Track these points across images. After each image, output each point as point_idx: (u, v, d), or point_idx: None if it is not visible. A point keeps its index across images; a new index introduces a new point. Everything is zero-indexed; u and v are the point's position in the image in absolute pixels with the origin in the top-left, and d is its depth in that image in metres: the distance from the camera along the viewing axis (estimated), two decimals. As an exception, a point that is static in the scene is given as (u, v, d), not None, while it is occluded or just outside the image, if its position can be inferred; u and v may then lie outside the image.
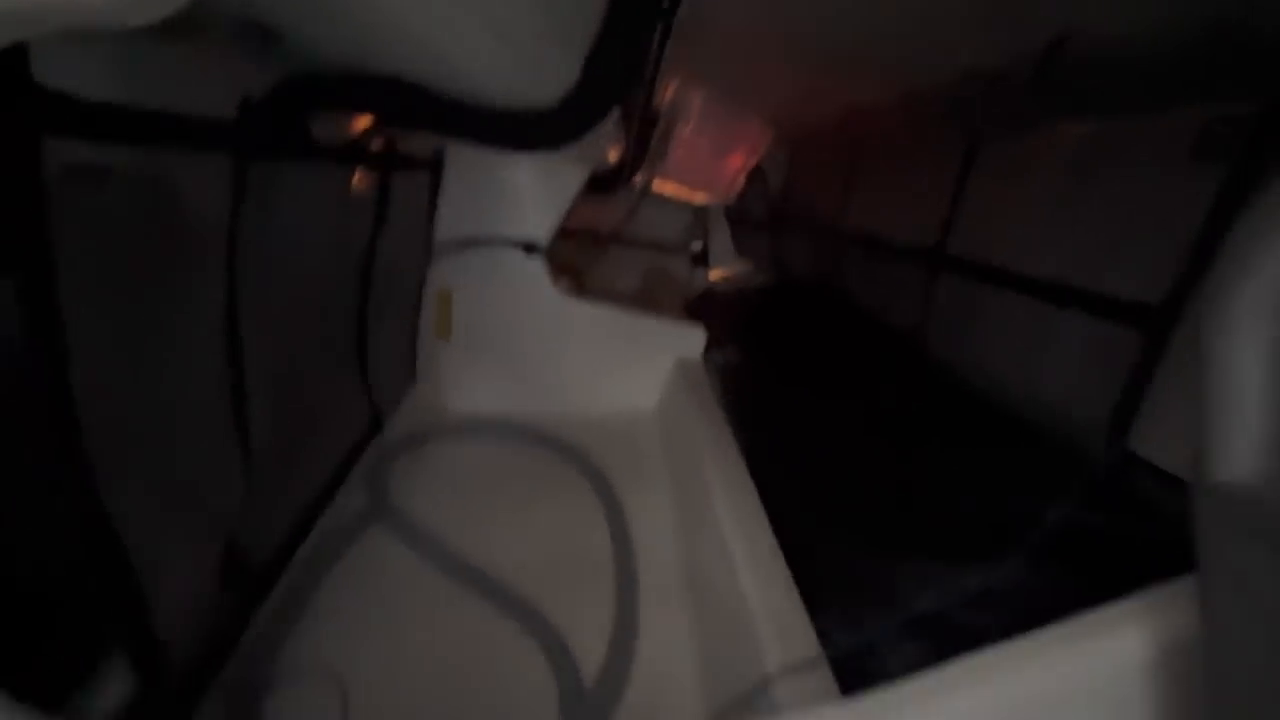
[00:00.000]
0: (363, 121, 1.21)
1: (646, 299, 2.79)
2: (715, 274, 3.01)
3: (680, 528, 1.39)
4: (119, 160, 0.69)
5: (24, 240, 0.58)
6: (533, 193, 1.78)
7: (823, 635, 0.87)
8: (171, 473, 0.81)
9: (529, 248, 1.79)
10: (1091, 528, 0.57)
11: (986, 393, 1.36)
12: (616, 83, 1.11)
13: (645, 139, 2.24)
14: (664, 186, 2.70)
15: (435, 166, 1.68)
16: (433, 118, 1.08)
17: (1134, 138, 1.18)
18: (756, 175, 2.91)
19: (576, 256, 2.50)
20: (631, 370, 1.95)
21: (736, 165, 2.64)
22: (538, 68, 1.01)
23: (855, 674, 0.77)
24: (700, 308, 2.55)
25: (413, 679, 1.00)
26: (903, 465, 1.29)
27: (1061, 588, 0.74)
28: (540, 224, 1.80)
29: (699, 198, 2.84)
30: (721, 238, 2.91)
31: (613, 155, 2.16)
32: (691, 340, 1.93)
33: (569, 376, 1.93)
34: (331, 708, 0.91)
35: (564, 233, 1.90)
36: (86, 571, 0.68)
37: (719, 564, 1.10)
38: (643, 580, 1.23)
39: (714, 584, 1.11)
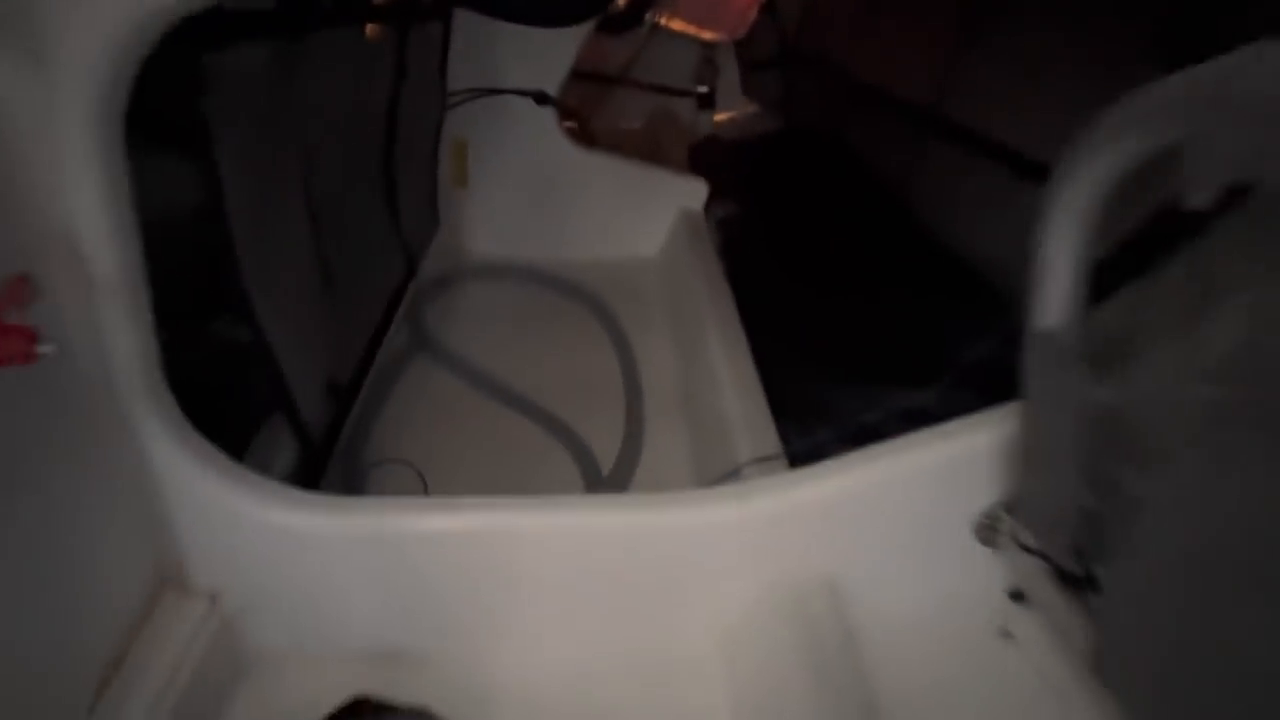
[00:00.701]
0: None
1: (650, 141, 2.82)
2: (720, 116, 3.00)
3: (678, 358, 1.65)
4: (240, 57, 0.83)
5: (196, 131, 0.75)
6: (542, 41, 1.79)
7: (783, 439, 1.15)
8: (294, 308, 1.03)
9: (540, 98, 1.84)
10: (1006, 363, 0.78)
11: (953, 250, 1.53)
12: None
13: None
14: (673, 23, 2.60)
15: (446, 17, 1.69)
16: None
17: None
18: (769, 7, 2.78)
19: (581, 100, 2.51)
20: (637, 218, 2.10)
21: (749, 1, 2.53)
22: None
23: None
24: (704, 153, 2.60)
25: (471, 467, 1.31)
26: (869, 308, 1.51)
27: (974, 408, 0.99)
28: (550, 72, 1.83)
29: (708, 34, 2.75)
30: (729, 79, 2.86)
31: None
32: (694, 192, 2.04)
33: (579, 223, 2.08)
34: (415, 483, 1.21)
35: (570, 75, 1.93)
36: (261, 375, 0.93)
37: (709, 387, 1.37)
38: (646, 398, 1.51)
39: (704, 402, 1.39)
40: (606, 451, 1.36)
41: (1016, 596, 0.93)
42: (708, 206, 2.05)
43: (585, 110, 2.42)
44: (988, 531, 0.91)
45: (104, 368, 0.68)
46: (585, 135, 2.13)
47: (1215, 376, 0.51)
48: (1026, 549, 0.84)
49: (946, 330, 1.26)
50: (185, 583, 0.84)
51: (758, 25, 2.78)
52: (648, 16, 2.34)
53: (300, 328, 1.05)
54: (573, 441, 1.37)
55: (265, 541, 0.83)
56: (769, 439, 1.16)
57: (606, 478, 1.28)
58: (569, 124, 2.03)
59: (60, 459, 0.65)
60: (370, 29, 1.33)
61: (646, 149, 2.58)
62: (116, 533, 0.75)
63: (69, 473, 0.66)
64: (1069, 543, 0.73)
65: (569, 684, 0.93)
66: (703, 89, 2.76)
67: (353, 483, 1.18)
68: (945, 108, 1.56)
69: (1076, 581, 0.74)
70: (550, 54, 1.82)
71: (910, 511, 0.93)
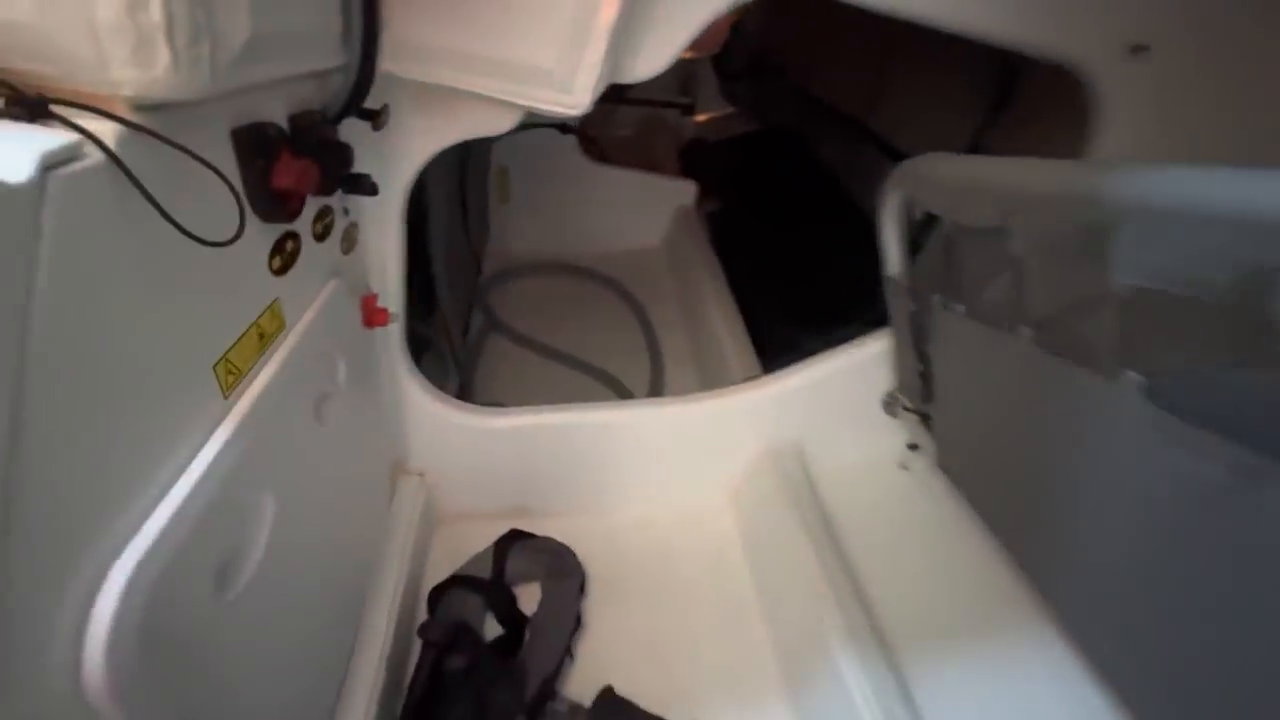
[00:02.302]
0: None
1: (644, 145, 3.33)
2: (701, 117, 3.52)
3: (684, 321, 2.20)
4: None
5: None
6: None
7: (765, 368, 1.70)
8: (449, 300, 1.58)
9: (563, 128, 2.37)
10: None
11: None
12: None
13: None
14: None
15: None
16: None
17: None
18: (739, 27, 3.28)
19: (588, 123, 3.02)
20: (641, 215, 2.63)
21: (722, 23, 3.01)
22: None
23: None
24: (691, 154, 3.13)
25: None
26: (820, 271, 2.06)
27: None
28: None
29: (688, 53, 3.25)
30: (707, 89, 3.37)
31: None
32: (686, 192, 2.58)
33: (596, 223, 2.61)
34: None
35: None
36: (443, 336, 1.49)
37: (709, 338, 1.92)
38: (664, 350, 2.06)
39: (707, 349, 1.94)
40: (639, 391, 1.91)
41: (913, 446, 1.49)
42: (698, 202, 2.59)
43: (593, 131, 2.93)
44: (890, 405, 1.47)
45: (383, 337, 1.22)
46: (598, 153, 2.65)
47: (955, 295, 1.05)
48: (909, 410, 1.40)
49: (871, 283, 1.81)
50: (406, 465, 1.39)
51: (731, 42, 3.28)
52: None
53: (452, 313, 1.61)
54: (614, 384, 1.92)
55: (449, 436, 1.38)
56: (755, 368, 1.71)
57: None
58: (584, 145, 2.55)
59: (373, 382, 1.19)
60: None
61: (642, 152, 3.09)
62: (384, 428, 1.30)
63: (378, 387, 1.21)
64: (919, 395, 1.29)
65: (633, 526, 1.49)
66: (686, 100, 3.27)
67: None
68: (870, 122, 2.09)
69: (925, 418, 1.30)
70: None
71: (844, 397, 1.48)
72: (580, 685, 1.18)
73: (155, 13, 0.44)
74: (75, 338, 0.45)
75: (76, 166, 0.43)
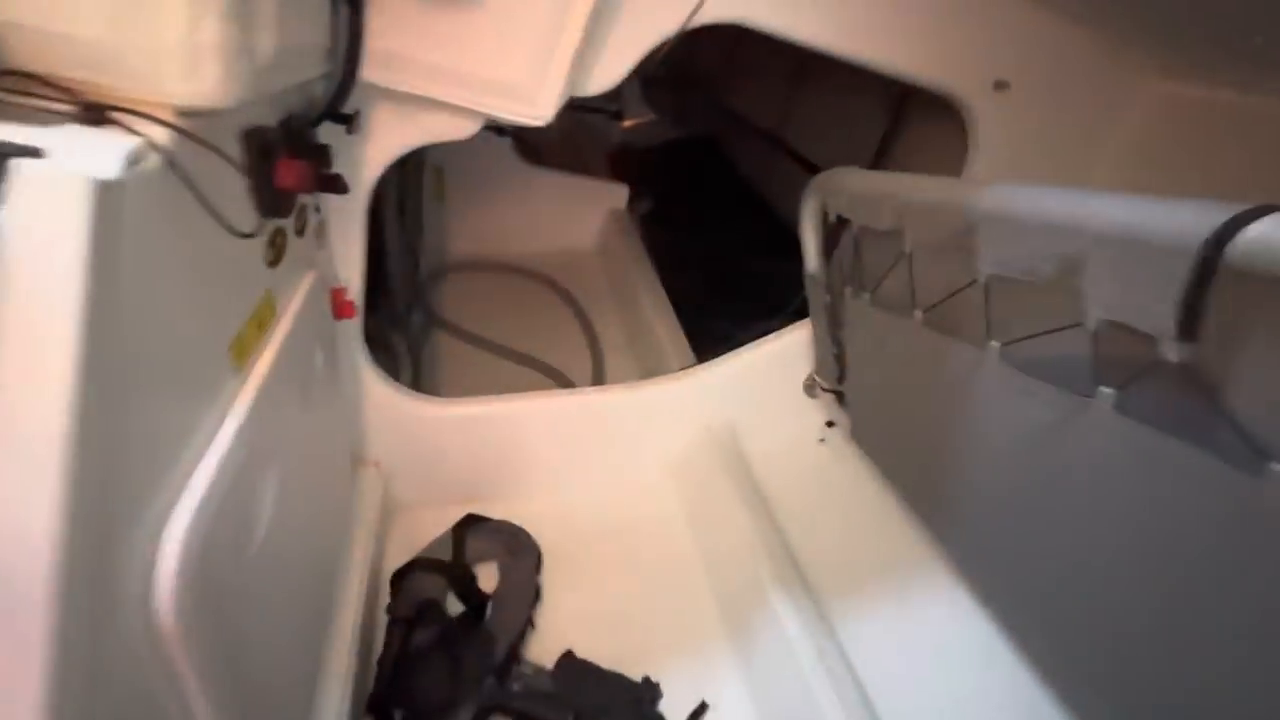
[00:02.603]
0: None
1: (572, 148, 3.43)
2: (628, 123, 3.66)
3: (619, 316, 2.32)
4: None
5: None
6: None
7: (696, 355, 1.85)
8: (400, 295, 1.62)
9: (498, 130, 2.43)
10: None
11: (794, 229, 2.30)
12: None
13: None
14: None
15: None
16: None
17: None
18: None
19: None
20: (575, 217, 2.73)
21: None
22: None
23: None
24: (622, 159, 3.26)
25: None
26: (743, 269, 2.25)
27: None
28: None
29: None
30: (632, 95, 3.52)
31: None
32: (618, 195, 2.71)
33: (531, 223, 2.69)
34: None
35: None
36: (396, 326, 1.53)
37: (645, 332, 2.05)
38: (603, 344, 2.18)
39: (643, 341, 2.07)
40: (581, 383, 2.01)
41: (830, 424, 1.68)
42: (629, 204, 2.72)
43: (526, 134, 3.00)
44: (809, 387, 1.66)
45: (343, 330, 1.26)
46: (532, 155, 2.73)
47: (862, 286, 1.24)
48: (826, 390, 1.59)
49: (788, 280, 2.00)
50: (363, 455, 1.43)
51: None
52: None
53: (403, 305, 1.65)
54: (556, 376, 2.02)
55: (407, 426, 1.44)
56: (689, 358, 1.86)
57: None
58: (518, 147, 2.62)
59: (337, 373, 1.23)
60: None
61: (571, 154, 3.19)
62: (347, 418, 1.34)
63: (333, 379, 1.25)
64: (834, 376, 1.48)
65: (583, 505, 1.60)
66: (614, 106, 3.40)
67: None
68: (784, 135, 2.31)
69: (840, 395, 1.49)
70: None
71: (769, 382, 1.65)
72: (542, 651, 1.27)
73: (213, 34, 0.51)
74: (141, 316, 0.51)
75: (143, 166, 0.50)
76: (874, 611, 1.24)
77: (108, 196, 0.45)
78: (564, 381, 2.00)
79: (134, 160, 0.48)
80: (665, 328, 1.97)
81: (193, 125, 0.57)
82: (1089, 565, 0.77)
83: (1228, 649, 0.58)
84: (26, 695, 0.40)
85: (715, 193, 2.72)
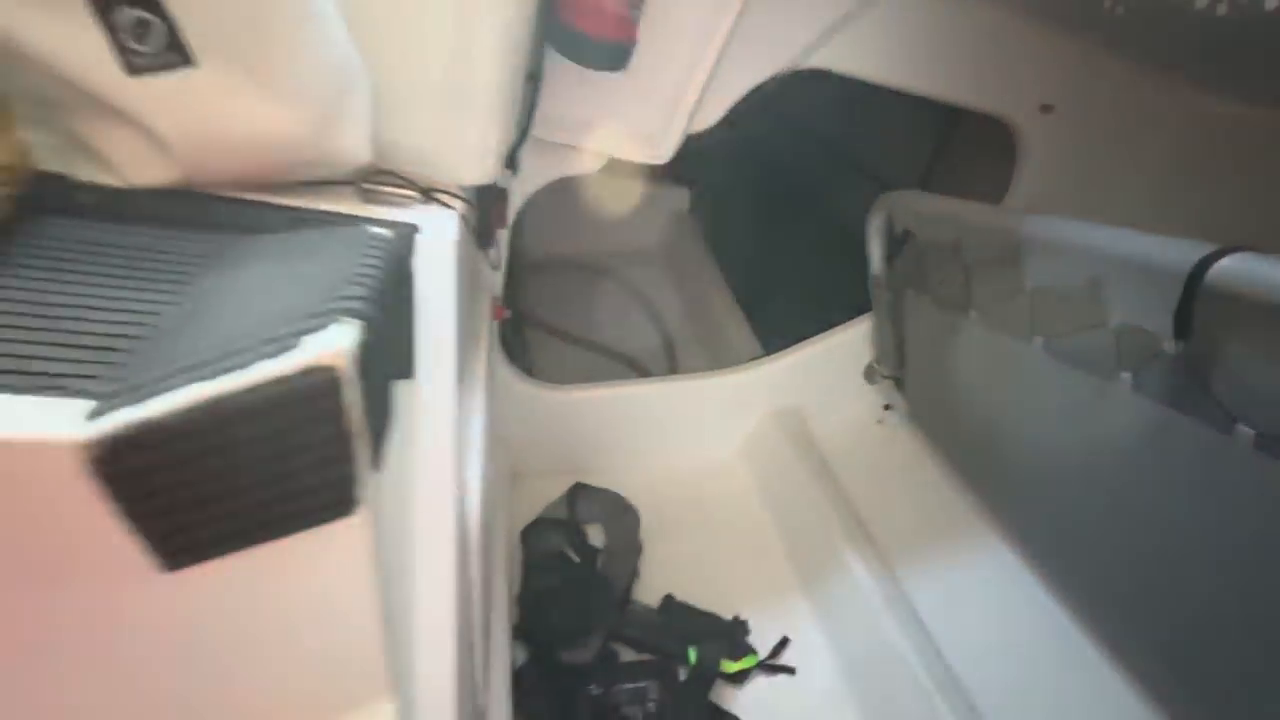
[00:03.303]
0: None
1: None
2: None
3: (689, 314, 2.56)
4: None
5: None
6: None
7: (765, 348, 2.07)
8: None
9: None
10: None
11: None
12: None
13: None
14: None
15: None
16: None
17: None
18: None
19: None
20: (639, 218, 2.97)
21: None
22: None
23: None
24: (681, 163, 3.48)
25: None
26: (808, 272, 2.46)
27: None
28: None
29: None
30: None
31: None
32: (679, 198, 2.94)
33: (599, 226, 2.94)
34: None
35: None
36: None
37: (714, 327, 2.29)
38: (674, 337, 2.42)
39: (712, 335, 2.31)
40: (657, 373, 2.26)
41: (887, 407, 1.89)
42: (691, 206, 2.95)
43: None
44: (869, 374, 1.87)
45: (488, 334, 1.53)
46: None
47: (923, 289, 1.44)
48: (885, 377, 1.80)
49: (840, 279, 2.20)
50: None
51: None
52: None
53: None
54: (636, 366, 2.27)
55: (530, 409, 1.71)
56: (755, 348, 2.08)
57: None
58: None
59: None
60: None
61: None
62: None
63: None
64: (894, 364, 1.69)
65: (670, 480, 1.85)
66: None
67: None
68: (842, 143, 2.51)
69: (899, 381, 1.70)
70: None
71: (834, 369, 1.87)
72: (647, 595, 1.53)
73: (496, 139, 0.77)
74: (465, 316, 0.77)
75: (460, 227, 0.76)
76: (932, 565, 1.46)
77: (455, 248, 0.71)
78: (643, 371, 2.25)
79: (459, 225, 0.74)
80: (733, 322, 2.20)
81: (467, 193, 0.82)
82: (1115, 515, 0.98)
83: (1208, 573, 0.80)
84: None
85: (770, 195, 2.93)
